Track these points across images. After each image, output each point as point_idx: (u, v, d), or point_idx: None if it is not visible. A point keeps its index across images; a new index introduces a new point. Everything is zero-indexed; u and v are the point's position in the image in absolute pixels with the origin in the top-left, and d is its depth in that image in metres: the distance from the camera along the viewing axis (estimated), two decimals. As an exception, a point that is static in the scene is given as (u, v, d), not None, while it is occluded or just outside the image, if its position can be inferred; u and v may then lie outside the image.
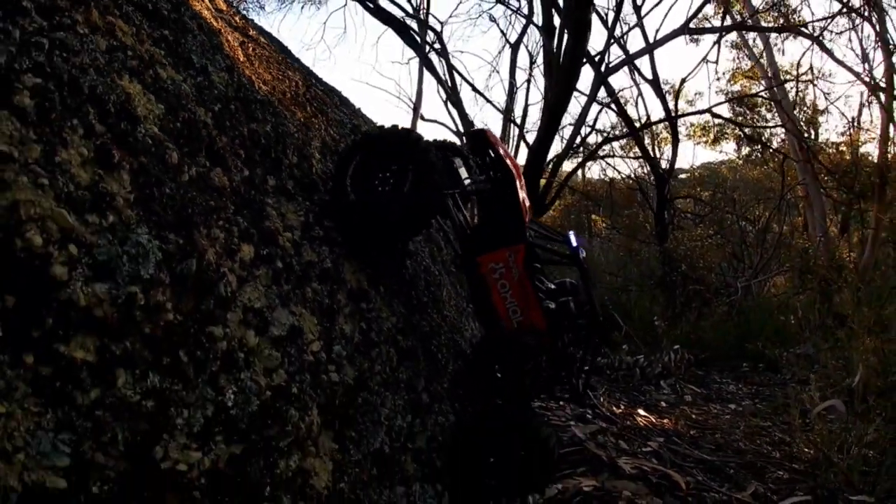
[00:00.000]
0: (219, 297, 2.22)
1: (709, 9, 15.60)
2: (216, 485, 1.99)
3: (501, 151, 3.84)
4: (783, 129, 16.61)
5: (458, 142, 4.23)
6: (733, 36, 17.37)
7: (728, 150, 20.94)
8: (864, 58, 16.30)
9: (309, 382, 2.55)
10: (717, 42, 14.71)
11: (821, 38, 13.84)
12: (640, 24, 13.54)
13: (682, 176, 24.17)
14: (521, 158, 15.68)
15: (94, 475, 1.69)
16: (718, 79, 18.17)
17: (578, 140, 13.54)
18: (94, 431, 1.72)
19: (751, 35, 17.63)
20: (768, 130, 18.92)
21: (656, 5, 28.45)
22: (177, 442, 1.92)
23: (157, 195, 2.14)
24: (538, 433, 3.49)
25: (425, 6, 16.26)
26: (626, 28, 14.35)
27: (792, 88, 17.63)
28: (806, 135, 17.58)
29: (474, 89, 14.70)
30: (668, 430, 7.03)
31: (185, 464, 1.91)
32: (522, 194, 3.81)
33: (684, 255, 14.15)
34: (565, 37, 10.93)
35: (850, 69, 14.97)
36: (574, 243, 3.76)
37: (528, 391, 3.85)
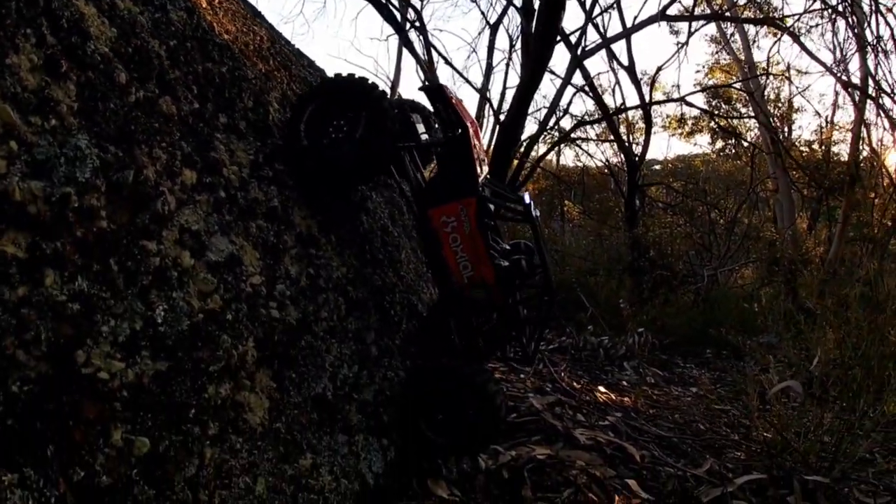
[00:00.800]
0: (155, 214, 2.26)
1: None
2: (138, 399, 2.02)
3: (459, 108, 3.84)
4: (757, 125, 16.76)
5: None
6: (712, 30, 17.54)
7: (702, 142, 21.06)
8: (840, 56, 16.51)
9: (245, 313, 2.59)
10: (688, 28, 14.81)
11: (795, 30, 13.98)
12: (618, 6, 13.67)
13: (657, 167, 24.36)
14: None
15: (14, 373, 1.73)
16: (697, 72, 18.20)
17: (552, 122, 13.60)
18: (17, 328, 1.75)
19: (730, 30, 17.78)
20: (742, 124, 19.10)
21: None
22: (100, 349, 1.95)
23: (101, 108, 2.19)
24: (485, 389, 3.51)
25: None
26: (603, 9, 14.34)
27: (767, 84, 17.82)
28: (779, 130, 17.74)
29: (452, 67, 14.77)
30: (628, 407, 7.10)
31: (106, 372, 1.94)
32: (477, 149, 3.85)
33: (653, 242, 14.26)
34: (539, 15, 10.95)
35: (823, 64, 15.14)
36: (527, 201, 3.81)
37: (477, 347, 3.89)
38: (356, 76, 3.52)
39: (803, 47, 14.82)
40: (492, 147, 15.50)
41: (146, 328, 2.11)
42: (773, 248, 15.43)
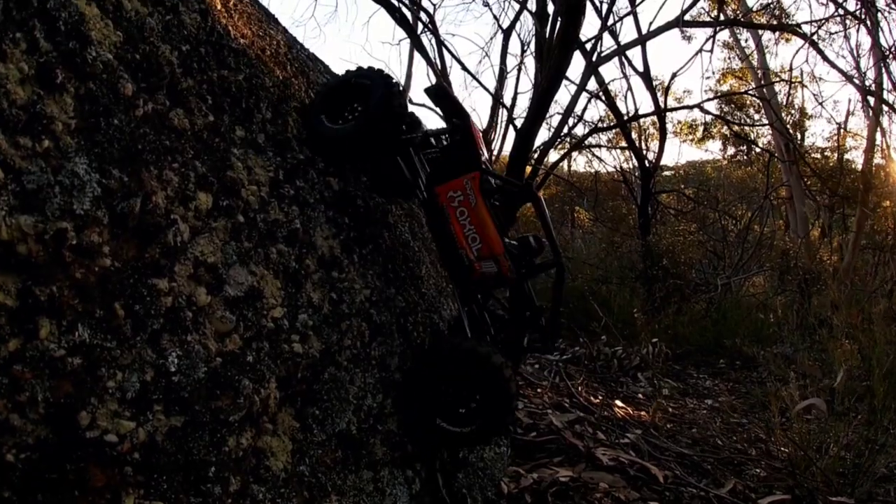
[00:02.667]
0: (166, 246, 2.00)
1: (704, 6, 15.58)
2: (152, 460, 1.80)
3: (458, 102, 4.00)
4: (769, 132, 16.56)
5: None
6: (725, 35, 17.30)
7: (714, 149, 20.86)
8: (856, 62, 16.29)
9: (268, 351, 2.35)
10: (713, 35, 14.61)
11: (815, 38, 13.75)
12: (633, 14, 13.41)
13: (667, 173, 24.15)
14: (509, 145, 15.56)
15: (9, 440, 1.52)
16: (708, 78, 18.02)
17: (566, 129, 13.38)
18: (10, 388, 1.54)
19: (743, 35, 17.58)
20: (755, 130, 18.90)
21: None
22: (106, 408, 1.73)
23: (104, 126, 1.92)
24: (501, 372, 3.39)
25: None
26: (619, 18, 14.18)
27: (781, 91, 17.60)
28: (793, 136, 17.52)
29: (465, 69, 14.42)
30: (646, 422, 6.97)
31: (114, 434, 1.72)
32: (479, 136, 3.94)
33: (666, 250, 14.09)
34: (559, 22, 10.76)
35: (841, 71, 14.90)
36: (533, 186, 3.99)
37: (488, 325, 3.92)
38: (375, 68, 3.76)
39: (823, 56, 14.65)
40: (497, 151, 15.36)
41: (158, 379, 1.87)
42: (787, 257, 15.22)
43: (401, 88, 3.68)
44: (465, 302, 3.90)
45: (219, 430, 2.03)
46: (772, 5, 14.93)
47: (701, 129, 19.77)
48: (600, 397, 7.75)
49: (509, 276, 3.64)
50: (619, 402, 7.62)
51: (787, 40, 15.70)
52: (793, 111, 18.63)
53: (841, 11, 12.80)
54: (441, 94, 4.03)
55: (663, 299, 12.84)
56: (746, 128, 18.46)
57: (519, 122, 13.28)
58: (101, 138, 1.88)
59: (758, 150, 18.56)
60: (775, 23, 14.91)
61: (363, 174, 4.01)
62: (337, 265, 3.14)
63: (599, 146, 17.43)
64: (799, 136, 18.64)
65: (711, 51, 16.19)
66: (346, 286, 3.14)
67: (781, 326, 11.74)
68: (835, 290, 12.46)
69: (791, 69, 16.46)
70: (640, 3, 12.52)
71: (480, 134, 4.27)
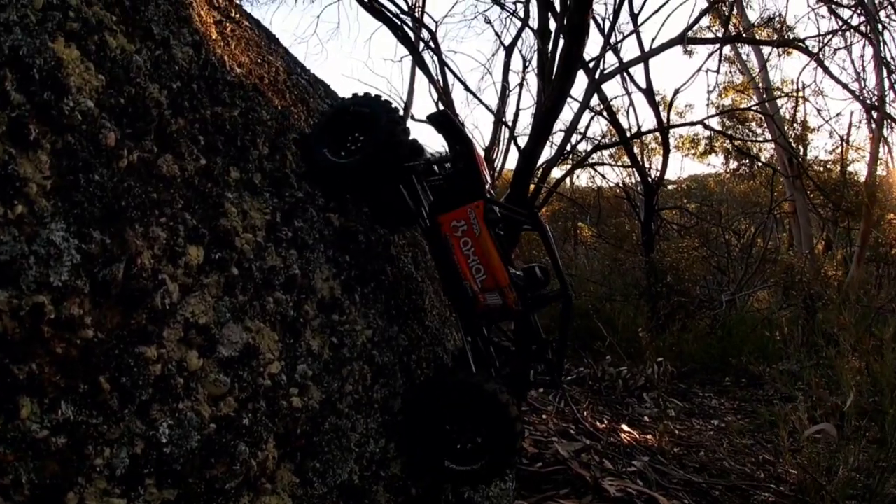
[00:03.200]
0: (154, 311, 1.86)
1: (704, 21, 15.54)
2: None
3: (462, 128, 3.97)
4: (772, 145, 16.46)
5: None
6: (727, 49, 17.21)
7: (716, 163, 20.75)
8: (857, 76, 16.23)
9: (265, 411, 2.21)
10: (719, 52, 14.61)
11: (820, 55, 13.66)
12: (636, 32, 13.37)
13: (670, 187, 24.06)
14: (511, 162, 15.49)
15: None
16: (710, 92, 17.92)
17: (569, 147, 13.28)
18: None
19: (744, 49, 17.51)
20: (758, 144, 18.81)
21: (654, 14, 28.23)
22: (95, 487, 1.61)
23: (83, 183, 1.76)
24: (507, 409, 3.28)
25: (421, 4, 16.02)
26: (621, 36, 14.14)
27: (783, 106, 17.53)
28: (796, 150, 17.42)
29: (466, 88, 14.41)
30: (653, 447, 6.88)
31: None
32: (482, 167, 3.90)
33: (670, 267, 14.01)
34: (561, 41, 10.70)
35: (846, 87, 14.82)
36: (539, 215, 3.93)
37: (493, 357, 3.81)
38: (373, 95, 3.73)
39: (827, 72, 14.52)
40: (500, 168, 15.26)
41: (148, 452, 1.75)
42: (791, 272, 15.12)
43: (401, 115, 3.68)
44: (470, 334, 3.77)
45: (215, 500, 1.90)
46: (774, 20, 14.87)
47: (703, 143, 19.70)
48: (606, 421, 7.65)
49: (515, 308, 3.55)
50: (625, 427, 7.52)
51: (789, 54, 15.61)
52: (796, 125, 18.56)
53: (843, 24, 12.73)
54: (444, 121, 3.94)
55: (667, 316, 12.77)
56: (749, 143, 18.36)
57: (521, 140, 13.21)
58: (81, 197, 1.73)
59: (760, 164, 18.42)
60: (776, 38, 14.85)
61: (364, 205, 3.91)
62: (338, 307, 3.00)
63: (602, 164, 17.40)
64: (802, 150, 18.55)
65: (717, 71, 16.04)
66: (347, 329, 3.01)
67: (787, 343, 11.67)
68: (840, 308, 12.42)
69: (798, 87, 16.44)
70: (644, 23, 12.46)
71: (484, 161, 4.17)
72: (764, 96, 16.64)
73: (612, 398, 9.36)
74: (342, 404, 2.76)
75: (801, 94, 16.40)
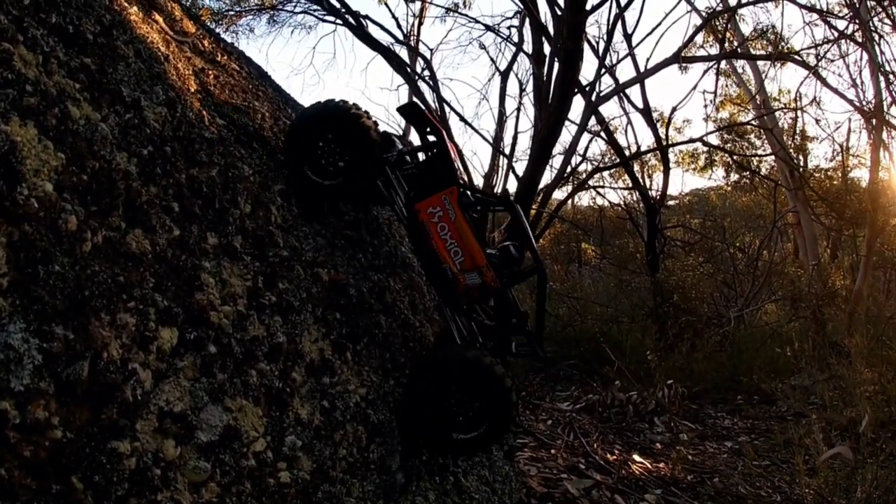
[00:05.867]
0: (125, 404, 1.76)
1: (698, 37, 15.53)
2: None
3: (432, 118, 4.10)
4: (773, 156, 16.35)
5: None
6: (722, 63, 17.11)
7: (717, 176, 20.63)
8: (854, 83, 16.18)
9: (250, 492, 2.10)
10: (717, 70, 14.58)
11: (805, 59, 13.59)
12: (630, 55, 13.34)
13: (671, 203, 23.94)
14: (511, 186, 15.37)
15: None
16: (706, 106, 17.85)
17: (569, 170, 13.20)
18: None
19: (739, 62, 17.42)
20: (758, 156, 18.71)
21: (647, 35, 28.17)
22: None
23: (43, 275, 1.66)
24: (503, 380, 3.55)
25: (416, 32, 16.02)
26: (616, 57, 14.09)
27: (781, 117, 17.43)
28: (796, 161, 17.32)
29: (463, 120, 14.26)
30: (666, 477, 6.75)
31: None
32: (453, 153, 4.06)
33: (676, 286, 13.88)
34: (556, 66, 10.67)
35: (845, 97, 14.72)
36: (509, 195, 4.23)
37: (476, 334, 4.05)
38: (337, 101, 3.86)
39: (826, 84, 14.42)
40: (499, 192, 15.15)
41: None
42: (798, 284, 14.97)
43: (367, 113, 3.83)
44: (454, 314, 4.01)
45: None
46: (767, 31, 14.80)
47: (703, 158, 19.57)
48: (617, 452, 7.49)
49: (493, 285, 3.77)
50: (636, 457, 7.36)
51: (784, 65, 15.54)
52: (795, 136, 18.46)
53: (839, 34, 12.66)
54: (414, 112, 4.12)
55: (676, 336, 12.62)
56: (749, 157, 18.25)
57: (518, 166, 13.17)
58: (41, 292, 1.63)
59: (761, 177, 18.27)
60: (771, 51, 14.75)
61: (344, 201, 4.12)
62: (328, 369, 2.89)
63: (604, 186, 17.33)
64: (802, 159, 18.45)
65: (715, 92, 16.00)
66: (339, 390, 2.90)
67: (798, 358, 11.54)
68: (849, 318, 12.33)
69: (796, 99, 16.37)
70: (638, 45, 12.47)
71: (455, 149, 4.23)
72: (762, 110, 16.56)
73: (623, 425, 9.19)
74: (335, 470, 2.65)
75: (799, 106, 16.31)
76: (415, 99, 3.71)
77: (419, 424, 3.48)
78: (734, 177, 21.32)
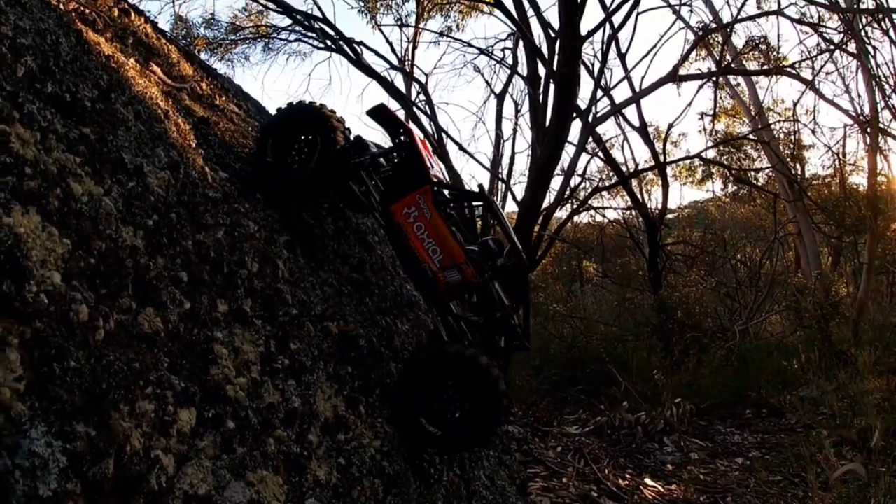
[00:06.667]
0: (151, 494, 1.73)
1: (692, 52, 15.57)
2: None
3: (403, 119, 4.35)
4: (769, 159, 16.34)
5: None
6: (713, 68, 17.10)
7: (715, 188, 20.56)
8: (847, 91, 16.24)
9: (273, 563, 2.05)
10: (715, 85, 14.61)
11: (814, 83, 13.64)
12: (626, 76, 13.35)
13: (670, 216, 23.90)
14: (508, 209, 15.34)
15: None
16: (702, 117, 17.84)
17: (567, 192, 13.19)
18: None
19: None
20: (755, 166, 18.72)
21: (643, 58, 27.98)
22: None
23: (59, 372, 1.61)
24: (490, 373, 3.56)
25: (410, 57, 16.08)
26: (611, 76, 14.14)
27: (777, 127, 17.43)
28: (794, 171, 17.31)
29: (461, 148, 14.18)
30: (679, 499, 6.76)
31: None
32: (427, 154, 4.20)
33: (679, 302, 13.85)
34: (552, 88, 10.68)
35: (841, 108, 14.76)
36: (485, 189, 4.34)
37: (465, 331, 4.12)
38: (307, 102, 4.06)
39: (822, 97, 14.44)
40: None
41: None
42: (802, 295, 14.93)
43: (337, 116, 4.02)
44: (440, 313, 4.10)
45: None
46: (759, 43, 14.81)
47: (700, 171, 19.58)
48: (629, 476, 7.44)
49: (473, 281, 3.84)
50: (648, 480, 7.31)
51: (779, 79, 15.53)
52: (791, 144, 18.45)
53: (834, 46, 12.70)
54: (383, 114, 4.25)
55: (682, 352, 12.58)
56: (747, 165, 18.23)
57: (516, 187, 13.15)
58: (58, 390, 1.59)
59: (759, 190, 18.23)
60: (763, 61, 14.79)
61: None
62: (343, 425, 2.87)
63: (604, 207, 17.31)
64: (799, 168, 18.43)
65: (714, 112, 16.06)
66: (354, 446, 2.87)
67: (805, 369, 11.50)
68: (854, 326, 12.31)
69: (793, 113, 16.40)
70: (634, 67, 12.54)
71: (428, 147, 4.48)
72: (758, 122, 16.59)
73: (633, 447, 9.13)
74: (355, 527, 2.62)
75: (795, 118, 16.33)
76: (382, 101, 3.86)
77: (405, 420, 3.48)
78: (732, 188, 21.31)
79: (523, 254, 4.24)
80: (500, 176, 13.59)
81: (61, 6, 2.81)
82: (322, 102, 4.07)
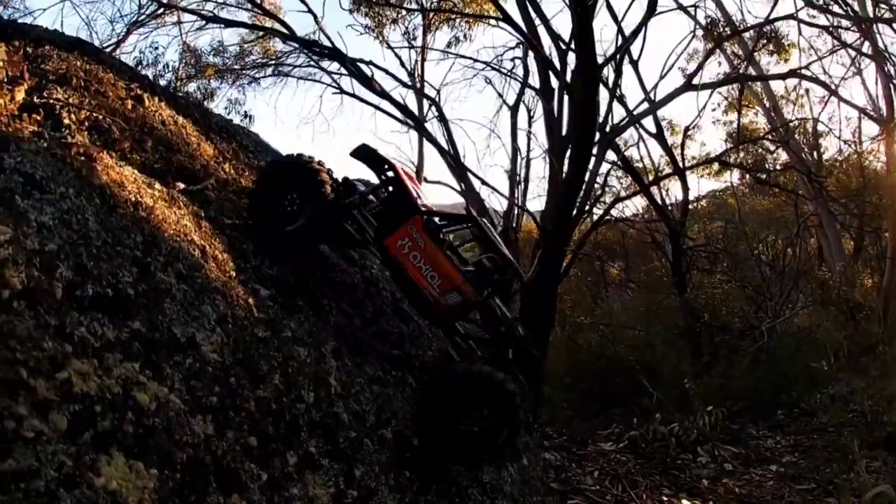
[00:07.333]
0: None
1: (697, 44, 15.55)
2: None
3: (385, 156, 4.46)
4: (789, 157, 16.22)
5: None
6: (726, 68, 17.01)
7: (732, 178, 20.31)
8: (864, 86, 16.19)
9: None
10: (740, 92, 14.60)
11: (836, 87, 13.62)
12: (642, 87, 13.32)
13: (690, 207, 23.67)
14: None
15: None
16: (714, 110, 17.72)
17: (588, 206, 13.11)
18: None
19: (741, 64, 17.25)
20: (775, 163, 18.57)
21: (662, 77, 27.27)
22: None
23: None
24: (514, 395, 3.73)
25: (420, 72, 15.92)
26: (627, 88, 14.11)
27: (792, 117, 17.27)
28: (811, 161, 17.16)
29: (477, 178, 14.02)
30: None
31: None
32: (413, 185, 4.45)
33: (706, 304, 13.83)
34: (566, 99, 10.66)
35: (858, 108, 14.74)
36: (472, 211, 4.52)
37: (474, 349, 4.31)
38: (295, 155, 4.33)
39: (842, 99, 14.38)
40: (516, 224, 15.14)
41: None
42: (827, 288, 14.87)
43: (323, 165, 4.21)
44: (447, 334, 4.30)
45: None
46: (770, 36, 14.63)
47: (717, 163, 19.40)
48: (666, 499, 7.47)
49: (474, 300, 4.05)
50: (686, 502, 7.36)
51: (787, 60, 15.37)
52: (807, 133, 18.29)
53: (849, 48, 12.62)
54: (365, 154, 4.44)
55: (711, 355, 12.56)
56: (767, 173, 18.02)
57: (529, 204, 13.13)
58: None
59: (781, 187, 18.01)
60: (772, 50, 14.65)
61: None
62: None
63: (626, 220, 17.10)
64: (815, 156, 18.27)
65: (739, 120, 16.02)
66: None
67: (834, 366, 11.47)
68: (882, 318, 12.27)
69: (816, 119, 16.42)
70: (653, 88, 12.41)
71: (413, 177, 4.72)
72: (773, 117, 16.51)
73: (667, 460, 9.15)
74: None
75: (814, 117, 16.32)
76: (364, 141, 4.01)
77: (430, 438, 3.62)
78: (749, 178, 21.11)
79: (517, 266, 4.51)
80: (516, 203, 13.52)
81: (71, 151, 2.89)
82: (303, 153, 4.35)
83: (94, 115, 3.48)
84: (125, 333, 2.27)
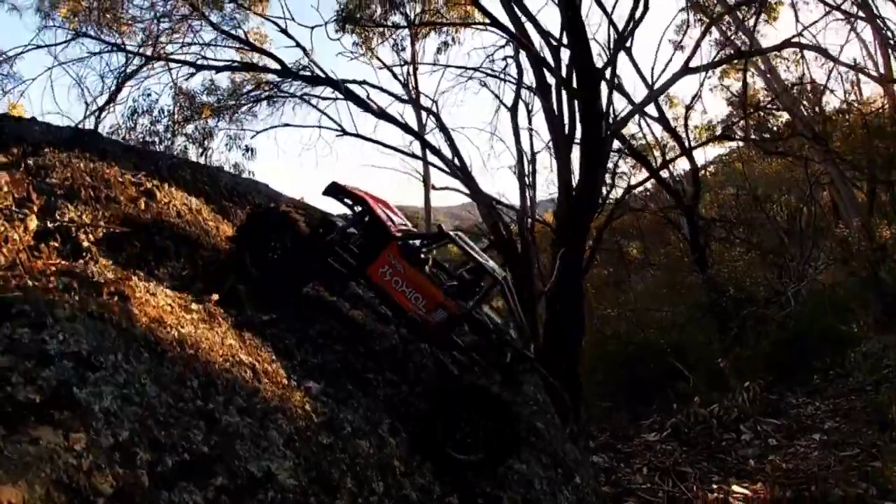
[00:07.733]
0: None
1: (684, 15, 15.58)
2: None
3: (355, 190, 4.76)
4: (794, 122, 16.14)
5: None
6: (716, 34, 16.87)
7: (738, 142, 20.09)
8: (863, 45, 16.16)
9: None
10: (744, 70, 14.60)
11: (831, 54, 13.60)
12: (638, 73, 13.34)
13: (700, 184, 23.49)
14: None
15: None
16: (710, 77, 17.59)
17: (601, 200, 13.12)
18: None
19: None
20: (777, 121, 18.44)
21: (665, 71, 26.92)
22: None
23: None
24: (510, 407, 4.03)
25: (414, 84, 15.91)
26: (621, 70, 14.07)
27: (784, 65, 17.20)
28: (813, 115, 17.05)
29: (474, 192, 13.94)
30: (767, 500, 6.92)
31: None
32: (383, 214, 4.68)
33: (729, 277, 13.82)
34: (564, 95, 10.67)
35: (862, 70, 14.74)
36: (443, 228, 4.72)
37: (473, 360, 4.53)
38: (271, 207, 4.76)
39: (843, 63, 14.36)
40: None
41: None
42: (847, 245, 14.80)
43: (289, 209, 4.50)
44: (443, 349, 4.52)
45: None
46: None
47: (719, 127, 19.24)
48: (715, 487, 7.50)
49: (459, 314, 4.29)
50: (735, 487, 7.41)
51: (775, 19, 15.24)
52: (807, 90, 18.14)
53: (842, 12, 12.63)
54: (335, 190, 4.74)
55: (740, 328, 12.54)
56: (774, 140, 17.88)
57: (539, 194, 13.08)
58: None
59: (791, 155, 17.86)
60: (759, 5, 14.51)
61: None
62: None
63: (640, 210, 17.01)
64: (818, 111, 18.12)
65: (744, 100, 15.99)
66: None
67: (862, 324, 11.48)
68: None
69: (825, 87, 16.37)
70: (662, 91, 12.42)
71: (385, 204, 5.00)
72: (768, 75, 16.48)
73: (712, 444, 9.19)
74: None
75: (819, 86, 16.27)
76: (334, 179, 4.20)
77: (434, 451, 3.79)
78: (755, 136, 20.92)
79: (492, 270, 4.64)
80: (525, 224, 13.47)
81: (103, 294, 2.93)
82: (276, 206, 4.85)
83: (111, 228, 3.55)
84: (211, 492, 2.35)
